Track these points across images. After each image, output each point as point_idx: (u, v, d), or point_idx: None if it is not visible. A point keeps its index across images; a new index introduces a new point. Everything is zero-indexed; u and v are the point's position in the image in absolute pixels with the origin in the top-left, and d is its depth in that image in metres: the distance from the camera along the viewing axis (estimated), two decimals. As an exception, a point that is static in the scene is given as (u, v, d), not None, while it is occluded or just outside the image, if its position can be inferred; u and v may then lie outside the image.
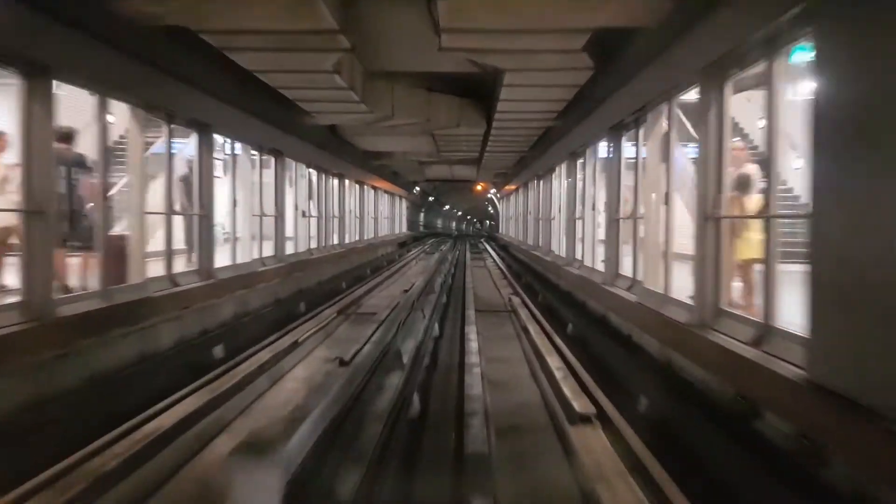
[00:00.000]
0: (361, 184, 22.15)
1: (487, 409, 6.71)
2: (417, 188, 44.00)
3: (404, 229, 38.87)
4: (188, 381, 7.51)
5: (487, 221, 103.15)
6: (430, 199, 60.32)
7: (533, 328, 11.38)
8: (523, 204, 23.66)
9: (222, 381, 7.49)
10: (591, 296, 10.02)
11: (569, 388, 7.03)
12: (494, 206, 67.20)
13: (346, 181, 19.76)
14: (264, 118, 11.28)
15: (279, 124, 12.17)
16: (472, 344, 9.99)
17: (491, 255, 36.32)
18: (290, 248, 13.58)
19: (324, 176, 16.39)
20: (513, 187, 31.18)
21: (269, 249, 12.60)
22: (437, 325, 11.81)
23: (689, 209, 6.84)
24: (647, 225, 7.10)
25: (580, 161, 12.08)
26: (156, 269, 8.10)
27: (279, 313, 12.33)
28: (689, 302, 5.70)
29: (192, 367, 8.19)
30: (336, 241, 18.44)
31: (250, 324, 10.90)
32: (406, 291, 17.97)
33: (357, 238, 21.97)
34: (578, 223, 12.28)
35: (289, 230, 14.01)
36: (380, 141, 17.65)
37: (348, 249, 19.64)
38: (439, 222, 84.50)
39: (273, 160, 12.54)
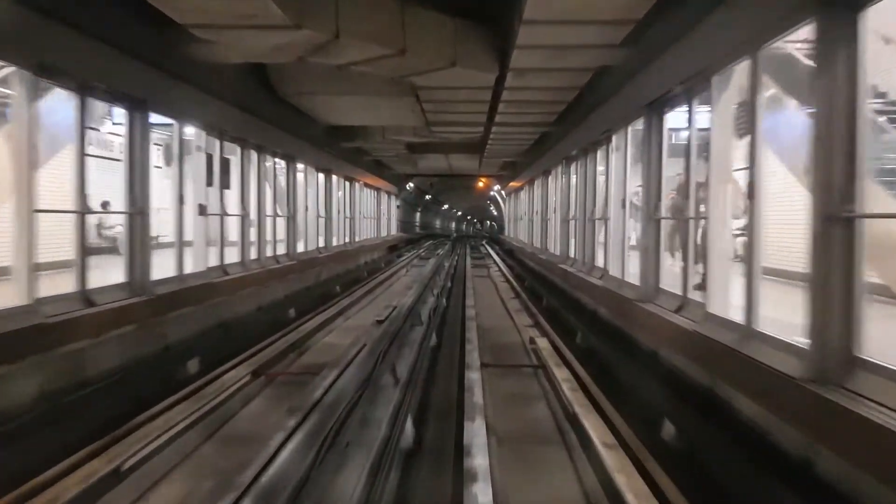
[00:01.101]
0: (328, 173, 16.76)
1: None
2: (411, 184, 38.62)
3: (394, 231, 33.44)
4: None
5: (488, 222, 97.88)
6: (427, 197, 54.93)
7: (590, 421, 6.01)
8: (540, 200, 18.21)
9: None
10: (737, 380, 4.63)
11: None
12: (497, 205, 61.78)
13: (301, 167, 14.36)
14: (88, 29, 5.91)
15: (135, 51, 6.80)
16: (480, 495, 4.59)
17: (495, 262, 30.94)
18: (168, 268, 8.15)
19: (254, 155, 10.99)
20: (519, 183, 25.76)
21: (119, 272, 7.22)
22: (411, 416, 6.39)
23: None
24: None
25: (674, 114, 6.71)
26: None
27: (137, 383, 6.95)
28: None
29: None
30: (283, 251, 13.03)
31: (51, 417, 5.51)
32: (380, 322, 12.65)
33: (322, 244, 16.56)
34: (665, 226, 6.89)
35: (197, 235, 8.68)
36: (342, 105, 12.28)
37: (305, 261, 14.25)
38: (437, 222, 79.12)
39: (128, 117, 7.12)
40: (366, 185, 22.84)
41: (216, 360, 8.47)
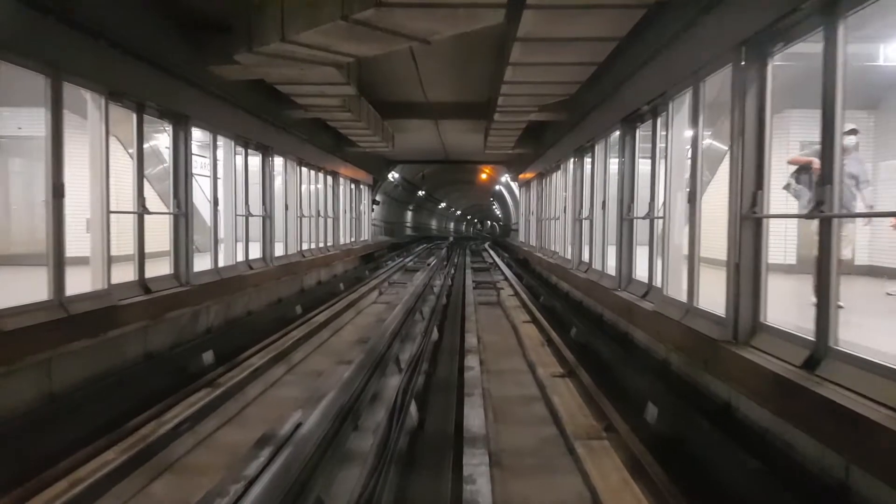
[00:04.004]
0: (181, 123, 8.33)
1: None
2: (395, 174, 30.23)
3: (367, 236, 24.94)
4: None
5: (489, 222, 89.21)
6: (420, 193, 46.56)
7: None
8: (621, 181, 9.50)
9: None
10: None
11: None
12: (503, 203, 53.29)
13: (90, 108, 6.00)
14: None
15: None
16: None
17: (505, 276, 22.54)
18: None
19: None
20: (537, 171, 17.42)
21: None
22: None
23: None
24: None
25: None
26: None
27: None
28: None
29: None
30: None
31: None
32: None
33: (169, 271, 8.13)
34: None
35: None
36: None
37: (82, 318, 5.81)
38: (433, 223, 70.62)
39: None
40: (303, 164, 14.36)
41: None
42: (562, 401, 7.28)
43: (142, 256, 7.28)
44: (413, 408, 6.42)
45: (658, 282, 7.04)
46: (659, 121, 6.98)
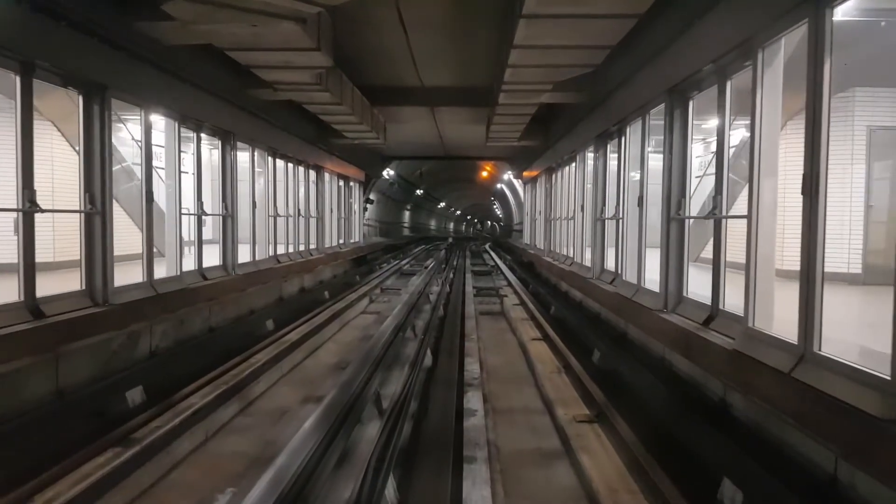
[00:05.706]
0: (94, 97, 6.45)
1: None
2: (390, 171, 28.33)
3: (358, 237, 23.01)
4: None
5: (490, 222, 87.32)
6: (418, 192, 44.62)
7: None
8: (667, 169, 7.53)
9: None
10: None
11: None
12: (505, 202, 51.36)
13: None
14: None
15: None
16: None
17: (507, 279, 20.67)
18: None
19: None
20: (538, 170, 15.56)
21: None
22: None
23: None
24: None
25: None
26: None
27: None
28: None
29: None
30: None
31: None
32: None
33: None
34: None
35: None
36: None
37: None
38: (433, 223, 68.67)
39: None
40: (277, 155, 12.45)
41: None
42: (594, 463, 5.39)
43: (30, 270, 5.40)
44: (391, 486, 4.53)
45: (727, 304, 5.17)
46: (729, 84, 5.09)
